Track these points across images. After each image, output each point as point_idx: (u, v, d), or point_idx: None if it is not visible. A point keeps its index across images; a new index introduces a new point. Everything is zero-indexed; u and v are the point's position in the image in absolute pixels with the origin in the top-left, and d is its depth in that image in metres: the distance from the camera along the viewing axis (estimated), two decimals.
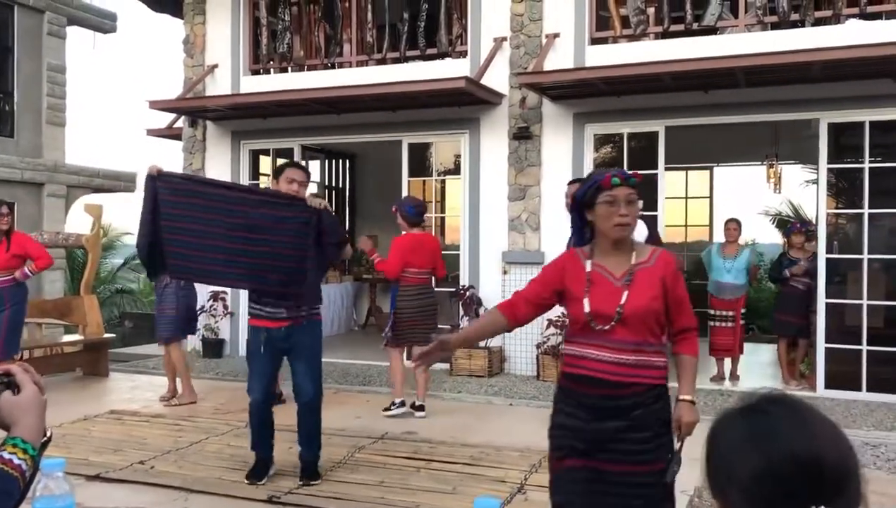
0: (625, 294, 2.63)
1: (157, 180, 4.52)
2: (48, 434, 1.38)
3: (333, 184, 13.09)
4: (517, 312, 2.81)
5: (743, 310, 8.03)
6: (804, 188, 12.60)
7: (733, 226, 8.03)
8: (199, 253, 4.47)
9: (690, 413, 2.68)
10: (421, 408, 6.56)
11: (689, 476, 4.74)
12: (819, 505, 0.93)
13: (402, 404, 6.60)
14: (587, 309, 2.65)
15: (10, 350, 7.08)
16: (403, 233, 6.50)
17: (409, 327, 6.51)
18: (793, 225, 8.71)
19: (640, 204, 2.82)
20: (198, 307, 7.54)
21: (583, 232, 2.82)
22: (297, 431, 4.80)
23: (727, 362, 8.10)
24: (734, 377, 8.04)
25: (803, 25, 7.74)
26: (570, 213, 2.90)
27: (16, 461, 1.28)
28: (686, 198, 12.38)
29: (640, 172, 2.80)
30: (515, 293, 2.87)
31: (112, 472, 4.87)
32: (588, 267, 2.72)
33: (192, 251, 4.46)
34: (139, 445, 5.57)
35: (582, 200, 2.74)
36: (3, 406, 1.35)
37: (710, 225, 12.35)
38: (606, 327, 2.63)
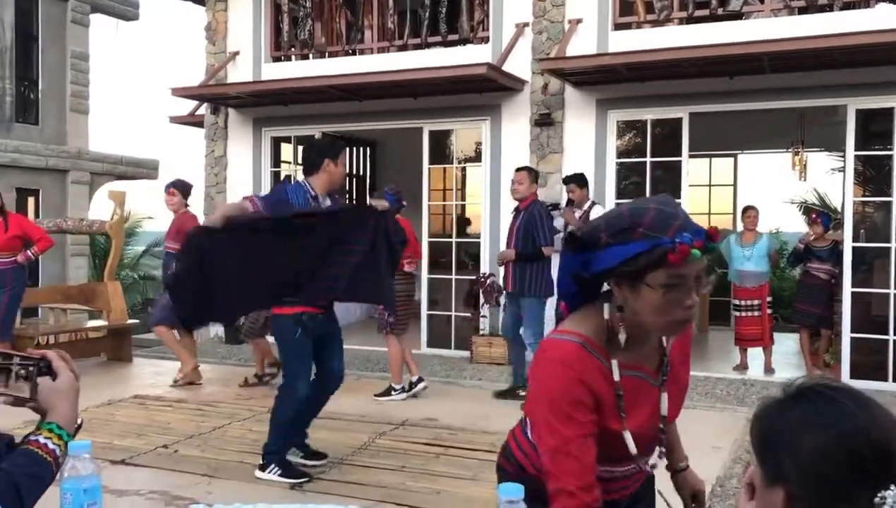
0: (664, 398, 1.71)
1: (217, 232, 4.19)
2: (79, 420, 1.39)
3: (354, 172, 13.09)
4: (595, 498, 1.58)
5: (769, 299, 7.92)
6: (830, 176, 12.45)
7: (752, 213, 7.94)
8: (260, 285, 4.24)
9: (699, 479, 1.99)
10: (421, 380, 6.80)
11: (712, 466, 4.73)
12: (890, 485, 0.90)
13: (404, 390, 6.69)
14: (633, 448, 1.64)
15: (4, 334, 6.99)
16: None
17: (403, 311, 6.62)
18: (810, 216, 8.58)
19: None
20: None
21: (577, 297, 1.71)
22: (306, 417, 4.72)
23: (755, 353, 8.00)
24: (769, 370, 7.86)
25: (831, 10, 7.62)
26: (566, 261, 1.70)
27: (50, 446, 1.32)
28: (710, 185, 12.26)
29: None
30: (568, 488, 1.55)
31: (136, 456, 4.92)
32: (615, 374, 1.63)
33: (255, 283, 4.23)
34: (163, 430, 5.63)
35: (613, 268, 1.56)
36: (42, 391, 1.38)
37: (734, 213, 12.22)
38: (651, 463, 1.74)
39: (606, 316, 1.62)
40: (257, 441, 5.25)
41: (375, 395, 6.68)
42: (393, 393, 6.66)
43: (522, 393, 6.56)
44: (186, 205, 7.10)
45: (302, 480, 4.44)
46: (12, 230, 6.86)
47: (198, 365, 7.25)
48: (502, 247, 8.73)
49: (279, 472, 4.46)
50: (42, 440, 1.33)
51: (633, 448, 1.62)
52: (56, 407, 1.37)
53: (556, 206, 7.16)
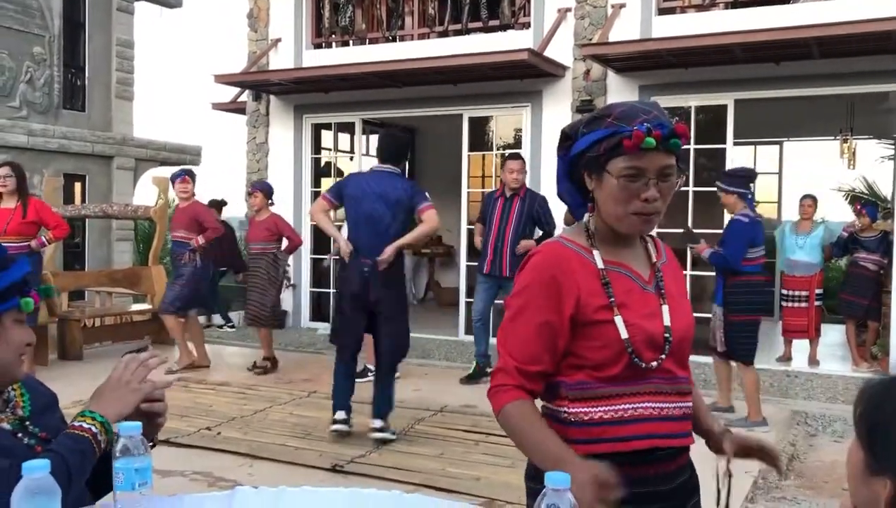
0: (665, 309, 1.65)
1: None
2: (153, 442, 1.60)
3: None
4: (535, 390, 1.64)
5: (820, 291, 7.71)
6: (880, 164, 12.14)
7: (808, 202, 7.76)
8: None
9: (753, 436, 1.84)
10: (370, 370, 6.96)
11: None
12: None
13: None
14: (624, 332, 1.58)
15: (31, 320, 6.93)
16: None
17: None
18: (856, 207, 8.37)
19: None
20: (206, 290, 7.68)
21: (580, 203, 1.73)
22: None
23: (800, 344, 7.85)
24: (813, 362, 7.70)
25: None
26: (558, 163, 1.75)
27: (86, 426, 1.53)
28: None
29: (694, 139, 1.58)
30: (506, 366, 1.61)
31: (181, 437, 5.01)
32: (598, 262, 1.63)
33: None
34: (205, 412, 5.72)
35: (580, 154, 1.64)
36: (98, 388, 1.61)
37: (779, 201, 11.99)
38: (655, 363, 1.61)
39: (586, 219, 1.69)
40: (298, 425, 5.34)
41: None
42: (369, 373, 6.81)
43: (489, 370, 6.62)
44: (193, 195, 7.19)
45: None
46: (30, 216, 6.72)
47: (204, 352, 7.37)
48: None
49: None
50: (77, 423, 1.53)
51: (623, 333, 1.57)
52: (94, 396, 1.60)
53: None
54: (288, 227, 7.36)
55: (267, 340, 7.32)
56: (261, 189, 7.40)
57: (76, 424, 1.52)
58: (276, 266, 7.24)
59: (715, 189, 5.67)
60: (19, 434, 1.55)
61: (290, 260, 8.24)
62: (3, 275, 1.53)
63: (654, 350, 1.60)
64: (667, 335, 1.62)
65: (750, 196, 5.45)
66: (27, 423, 1.58)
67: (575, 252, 1.64)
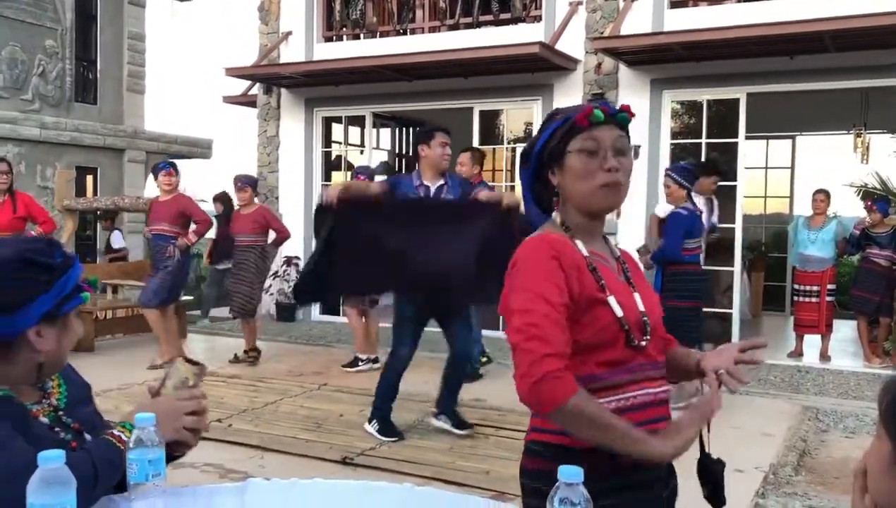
0: (637, 296, 1.71)
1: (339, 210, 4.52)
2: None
3: (403, 152, 13.12)
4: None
5: (832, 286, 7.65)
6: (894, 158, 12.04)
7: (820, 197, 7.72)
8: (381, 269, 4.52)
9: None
10: (377, 359, 6.91)
11: (764, 454, 4.65)
12: None
13: (371, 361, 6.92)
14: (619, 311, 1.62)
15: None
16: None
17: None
18: (867, 203, 8.30)
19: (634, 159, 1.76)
20: (189, 278, 7.70)
21: (541, 208, 1.80)
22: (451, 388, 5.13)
23: (812, 340, 7.82)
24: (825, 357, 7.66)
25: None
26: (522, 180, 1.82)
27: (124, 437, 1.51)
28: (766, 168, 11.99)
29: (634, 109, 1.73)
30: (555, 350, 1.51)
31: None
32: (582, 250, 1.68)
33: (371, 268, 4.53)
34: (216, 404, 5.73)
35: (541, 152, 1.72)
36: (152, 399, 1.64)
37: (791, 196, 11.93)
38: (643, 342, 1.66)
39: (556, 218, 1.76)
40: (309, 417, 5.36)
41: (343, 366, 6.98)
42: (361, 363, 6.94)
43: (481, 372, 6.69)
44: (177, 187, 7.14)
45: (392, 439, 4.83)
46: (20, 211, 6.80)
47: (182, 350, 7.22)
48: None
49: (377, 428, 4.90)
50: (117, 432, 1.52)
51: (619, 311, 1.62)
52: (146, 407, 1.57)
53: None
54: (276, 220, 7.50)
55: (252, 332, 7.34)
56: (250, 183, 7.43)
57: (115, 433, 1.51)
58: (264, 258, 7.30)
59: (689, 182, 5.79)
60: (56, 429, 1.55)
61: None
62: (71, 274, 1.57)
63: (640, 332, 1.67)
64: (645, 319, 1.68)
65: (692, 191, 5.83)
66: (61, 413, 1.58)
67: (562, 238, 1.68)
